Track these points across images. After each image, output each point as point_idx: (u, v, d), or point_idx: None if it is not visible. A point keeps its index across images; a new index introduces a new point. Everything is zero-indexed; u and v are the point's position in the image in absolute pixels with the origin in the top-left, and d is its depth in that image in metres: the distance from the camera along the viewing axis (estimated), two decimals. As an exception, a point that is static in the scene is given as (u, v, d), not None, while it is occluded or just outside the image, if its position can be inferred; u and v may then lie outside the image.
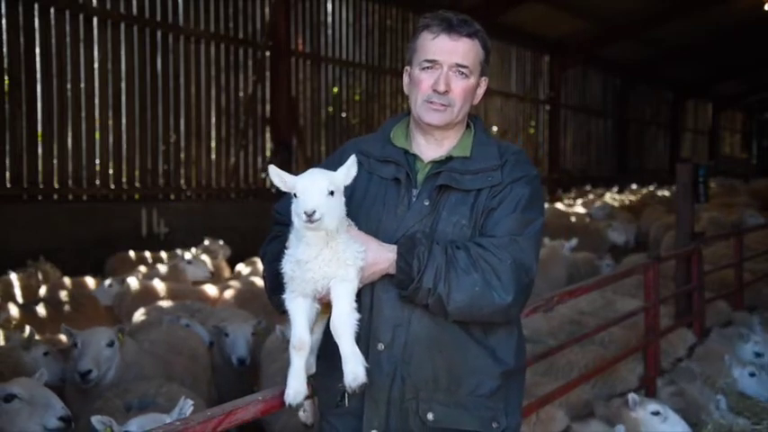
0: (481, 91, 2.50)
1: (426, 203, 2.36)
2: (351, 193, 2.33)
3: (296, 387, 2.19)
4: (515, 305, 2.27)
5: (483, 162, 2.39)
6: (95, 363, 4.42)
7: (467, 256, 2.23)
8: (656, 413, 4.59)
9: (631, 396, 4.63)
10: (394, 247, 2.27)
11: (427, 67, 2.39)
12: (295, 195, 2.12)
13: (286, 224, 2.34)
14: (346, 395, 2.18)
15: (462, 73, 2.38)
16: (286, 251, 2.21)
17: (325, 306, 2.25)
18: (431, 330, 2.31)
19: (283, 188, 2.19)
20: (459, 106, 2.40)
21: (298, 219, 2.11)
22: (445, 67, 2.37)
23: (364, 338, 2.30)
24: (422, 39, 2.42)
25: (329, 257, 2.14)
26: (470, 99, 2.44)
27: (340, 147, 2.65)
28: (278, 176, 2.17)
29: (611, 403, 4.80)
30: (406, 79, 2.51)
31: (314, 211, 2.04)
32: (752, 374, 5.91)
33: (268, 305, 5.50)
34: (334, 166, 2.46)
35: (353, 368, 2.12)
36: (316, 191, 2.09)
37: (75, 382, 4.41)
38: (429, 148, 2.47)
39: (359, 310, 2.19)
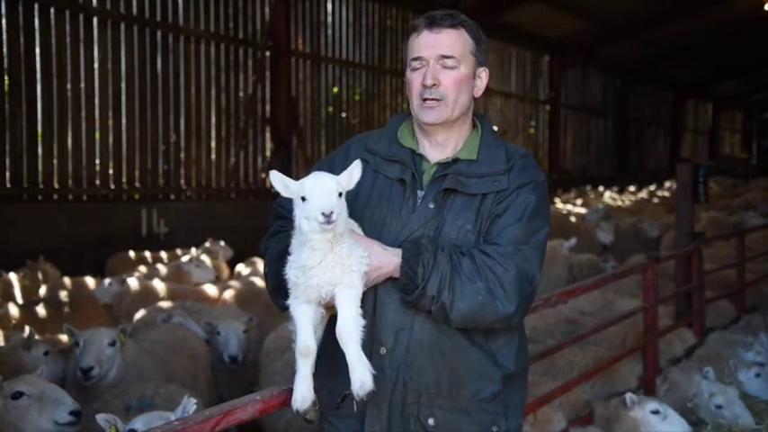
0: (481, 82, 2.45)
1: (431, 206, 2.34)
2: (356, 192, 2.31)
3: (303, 393, 2.18)
4: (517, 314, 2.26)
5: (490, 165, 2.36)
6: (97, 360, 4.43)
7: (471, 264, 2.21)
8: (656, 412, 4.58)
9: (629, 396, 4.62)
10: (398, 251, 2.25)
11: (416, 67, 2.38)
12: (303, 199, 2.09)
13: (287, 218, 2.33)
14: (354, 402, 2.16)
15: (449, 65, 2.35)
16: (289, 257, 2.19)
17: (328, 307, 2.24)
18: (433, 335, 2.30)
19: (285, 193, 2.16)
20: (453, 98, 2.36)
21: (308, 222, 2.07)
22: (431, 62, 2.35)
23: (367, 342, 2.27)
24: (410, 40, 2.42)
25: (333, 263, 2.13)
26: (466, 90, 2.39)
27: (346, 142, 2.62)
28: (281, 182, 2.14)
29: (609, 403, 4.79)
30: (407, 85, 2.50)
31: (332, 212, 2.02)
32: (757, 375, 5.90)
33: (269, 305, 5.51)
34: (339, 161, 2.45)
35: (361, 376, 2.11)
36: (327, 192, 2.08)
37: (77, 378, 4.41)
38: (433, 150, 2.45)
39: (362, 314, 2.18)
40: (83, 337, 4.51)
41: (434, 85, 2.34)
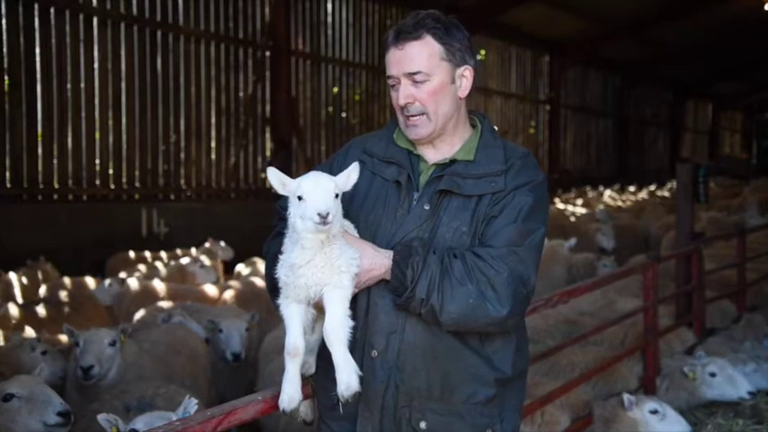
0: (466, 81, 2.38)
1: (426, 207, 2.32)
2: (353, 193, 2.31)
3: (290, 393, 2.18)
4: (511, 317, 2.22)
5: (487, 166, 2.33)
6: (97, 360, 4.43)
7: (463, 266, 2.19)
8: (654, 412, 4.57)
9: (626, 396, 4.61)
10: (390, 253, 2.24)
11: (391, 84, 2.36)
12: (299, 198, 2.09)
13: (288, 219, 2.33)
14: (339, 403, 2.17)
15: (418, 80, 2.30)
16: (280, 256, 2.19)
17: (319, 307, 2.23)
18: (425, 338, 2.28)
19: (281, 191, 2.16)
20: (433, 110, 2.33)
21: (303, 221, 2.07)
22: (402, 80, 2.32)
23: (359, 344, 2.28)
24: (385, 54, 2.39)
25: (322, 263, 2.12)
26: (445, 98, 2.34)
27: (346, 144, 2.61)
28: (277, 179, 2.14)
29: (608, 403, 4.79)
30: None
31: (328, 213, 2.02)
32: (754, 371, 5.92)
33: (269, 305, 5.49)
34: (338, 163, 2.44)
35: (346, 377, 2.10)
36: (324, 193, 2.08)
37: (77, 377, 4.41)
38: (429, 152, 2.43)
39: (354, 315, 2.17)
40: (83, 336, 4.51)
41: (409, 103, 2.32)
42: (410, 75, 2.30)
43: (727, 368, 5.41)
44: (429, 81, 2.31)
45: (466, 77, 2.39)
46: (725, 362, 5.50)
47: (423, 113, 2.32)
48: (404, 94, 2.31)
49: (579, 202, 18.14)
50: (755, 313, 7.61)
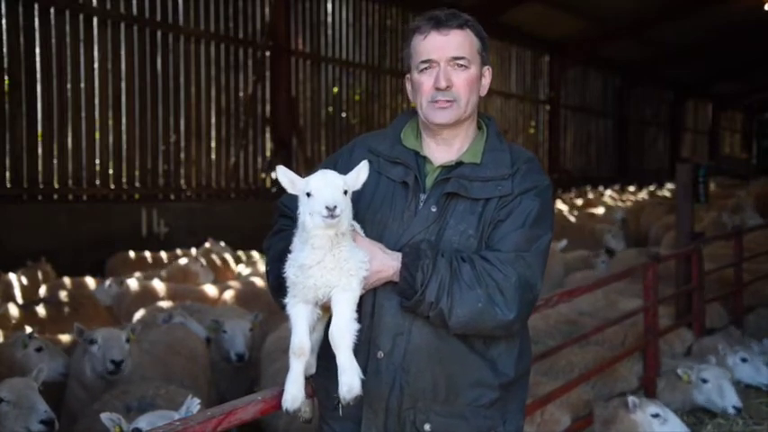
0: (486, 81, 2.45)
1: (434, 210, 2.32)
2: (359, 193, 2.30)
3: (293, 393, 2.18)
4: (518, 321, 2.24)
5: (493, 170, 2.34)
6: (124, 355, 4.47)
7: (471, 271, 2.19)
8: (656, 415, 4.57)
9: (631, 399, 4.60)
10: (399, 256, 2.23)
11: (425, 69, 2.35)
12: (308, 195, 2.10)
13: (291, 217, 2.32)
14: (341, 405, 2.17)
15: (461, 65, 2.33)
16: (289, 255, 2.19)
17: (325, 308, 2.24)
18: (431, 340, 2.28)
19: (290, 189, 2.17)
20: (466, 99, 2.35)
21: (312, 217, 2.08)
22: (442, 64, 2.33)
23: (364, 345, 2.27)
24: (414, 42, 2.38)
25: (332, 265, 2.12)
26: (476, 90, 2.38)
27: (347, 144, 2.60)
28: (286, 177, 2.15)
29: (609, 404, 4.78)
30: (408, 86, 2.46)
31: (335, 206, 2.03)
32: (744, 360, 5.92)
33: (270, 305, 5.48)
34: (343, 162, 2.44)
35: (349, 380, 2.11)
36: (333, 187, 2.09)
37: (107, 370, 4.42)
38: (438, 150, 2.42)
39: (360, 317, 2.18)
40: (100, 334, 4.53)
41: (448, 87, 2.32)
42: (454, 59, 2.33)
43: (720, 378, 5.39)
44: (468, 69, 2.35)
45: (486, 77, 2.45)
46: (722, 372, 5.47)
47: (455, 100, 2.34)
48: (445, 76, 2.32)
49: (579, 202, 18.14)
50: (752, 315, 7.61)
